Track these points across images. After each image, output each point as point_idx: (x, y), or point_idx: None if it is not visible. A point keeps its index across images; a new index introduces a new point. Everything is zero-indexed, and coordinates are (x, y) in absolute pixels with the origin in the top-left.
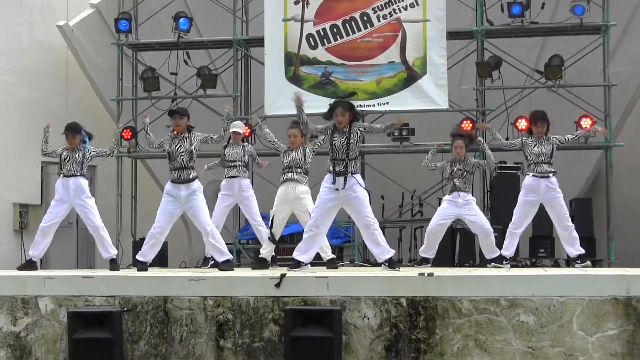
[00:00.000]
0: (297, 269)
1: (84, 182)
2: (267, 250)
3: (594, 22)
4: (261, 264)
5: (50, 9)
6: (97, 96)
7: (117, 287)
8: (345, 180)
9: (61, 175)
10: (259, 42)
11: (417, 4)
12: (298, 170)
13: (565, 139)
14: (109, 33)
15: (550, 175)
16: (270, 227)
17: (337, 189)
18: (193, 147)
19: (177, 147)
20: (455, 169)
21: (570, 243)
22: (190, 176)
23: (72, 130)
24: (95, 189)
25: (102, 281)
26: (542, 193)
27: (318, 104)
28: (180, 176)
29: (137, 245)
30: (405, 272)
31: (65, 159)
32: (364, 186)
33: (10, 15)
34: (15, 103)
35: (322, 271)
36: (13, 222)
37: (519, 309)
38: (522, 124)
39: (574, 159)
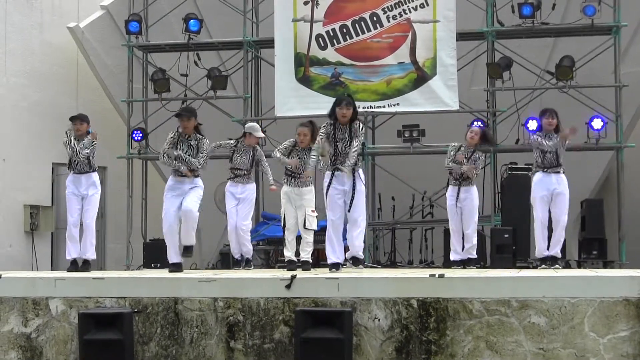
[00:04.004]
0: (337, 270)
1: (96, 177)
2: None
3: (605, 23)
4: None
5: (60, 10)
6: (107, 98)
7: (127, 288)
8: (353, 177)
9: (72, 172)
10: (269, 43)
11: (427, 5)
12: (299, 175)
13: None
14: (119, 35)
15: (560, 171)
16: (283, 228)
17: (340, 185)
18: (199, 156)
19: (185, 154)
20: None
21: (554, 241)
22: (194, 174)
23: (81, 118)
24: (106, 190)
25: (113, 282)
26: (553, 187)
27: (328, 105)
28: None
29: (148, 246)
30: (415, 273)
31: (74, 161)
32: (364, 182)
33: (20, 16)
34: (26, 104)
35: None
36: (24, 223)
37: (530, 310)
38: (533, 125)
39: (585, 159)
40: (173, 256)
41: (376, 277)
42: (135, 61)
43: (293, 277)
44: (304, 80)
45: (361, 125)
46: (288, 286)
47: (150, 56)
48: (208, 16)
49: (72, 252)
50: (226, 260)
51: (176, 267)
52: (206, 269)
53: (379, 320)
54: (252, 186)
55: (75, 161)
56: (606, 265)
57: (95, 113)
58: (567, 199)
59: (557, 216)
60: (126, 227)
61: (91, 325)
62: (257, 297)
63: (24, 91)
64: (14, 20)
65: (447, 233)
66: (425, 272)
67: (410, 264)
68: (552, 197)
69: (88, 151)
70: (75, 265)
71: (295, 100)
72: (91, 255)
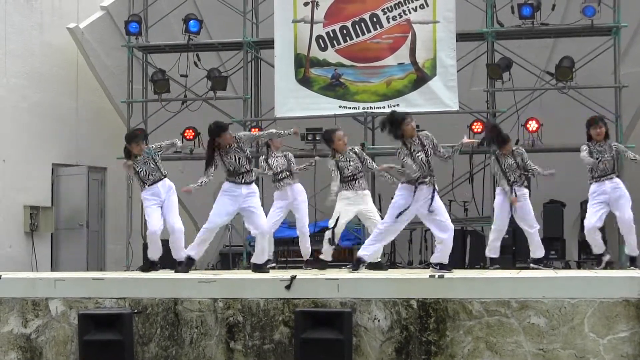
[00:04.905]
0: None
1: (169, 181)
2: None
3: (605, 24)
4: (321, 264)
5: (60, 11)
6: (107, 98)
7: (127, 289)
8: (429, 190)
9: (147, 185)
10: (269, 44)
11: (427, 5)
12: (360, 174)
13: (625, 152)
14: (119, 35)
15: (614, 177)
16: (333, 227)
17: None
18: (247, 153)
19: (238, 160)
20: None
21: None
22: (252, 178)
23: (139, 136)
24: (106, 191)
25: (113, 283)
26: (609, 194)
27: (328, 106)
28: (243, 179)
29: (147, 247)
30: (415, 273)
31: (146, 174)
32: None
33: (20, 17)
34: (26, 105)
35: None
36: (23, 224)
37: (529, 311)
38: (533, 125)
39: None
40: (194, 252)
41: (376, 278)
42: (135, 62)
43: (293, 277)
44: (304, 81)
45: (427, 134)
46: (288, 287)
47: (150, 57)
48: (208, 17)
49: (153, 254)
50: (226, 261)
51: (191, 263)
52: (206, 269)
53: (378, 320)
54: (300, 186)
55: (147, 173)
56: (606, 266)
57: (95, 114)
58: (627, 199)
59: (622, 220)
60: (126, 228)
61: (91, 326)
62: (257, 298)
63: (24, 92)
64: (14, 21)
65: None
66: (425, 273)
67: (410, 265)
68: (610, 203)
69: (163, 150)
70: (148, 264)
71: (294, 101)
72: (184, 254)
